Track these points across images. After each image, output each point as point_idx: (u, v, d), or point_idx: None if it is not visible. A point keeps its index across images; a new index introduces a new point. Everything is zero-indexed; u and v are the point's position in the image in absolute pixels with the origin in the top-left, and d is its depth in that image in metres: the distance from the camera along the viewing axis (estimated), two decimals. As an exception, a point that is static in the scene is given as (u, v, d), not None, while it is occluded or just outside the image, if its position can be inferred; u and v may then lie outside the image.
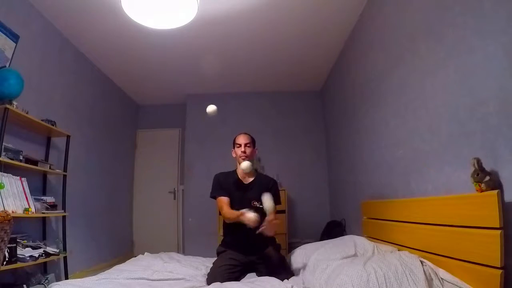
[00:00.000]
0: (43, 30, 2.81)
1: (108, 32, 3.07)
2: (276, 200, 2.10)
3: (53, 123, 2.66)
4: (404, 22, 2.08)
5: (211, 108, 2.14)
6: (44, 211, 2.48)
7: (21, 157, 2.32)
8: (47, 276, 2.45)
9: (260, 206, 1.93)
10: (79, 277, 1.79)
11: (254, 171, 2.23)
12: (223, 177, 2.19)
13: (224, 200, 2.09)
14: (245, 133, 2.26)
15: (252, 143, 2.23)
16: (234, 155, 2.23)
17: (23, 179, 2.29)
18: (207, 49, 3.47)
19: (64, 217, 2.79)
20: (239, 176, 2.19)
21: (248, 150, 2.17)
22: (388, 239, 2.10)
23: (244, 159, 2.13)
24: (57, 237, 2.75)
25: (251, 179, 2.19)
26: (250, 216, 1.80)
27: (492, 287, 1.17)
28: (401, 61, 2.11)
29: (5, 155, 2.14)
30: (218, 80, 4.33)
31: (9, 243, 1.84)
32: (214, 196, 2.17)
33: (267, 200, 1.86)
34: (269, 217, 1.79)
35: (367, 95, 2.75)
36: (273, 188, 2.16)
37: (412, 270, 1.36)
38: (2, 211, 1.77)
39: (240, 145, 2.18)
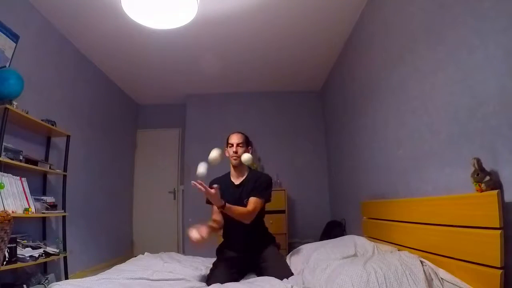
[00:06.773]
0: (43, 30, 2.81)
1: (108, 32, 3.07)
2: (265, 195, 2.03)
3: (53, 123, 2.66)
4: (404, 22, 2.08)
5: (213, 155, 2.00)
6: (44, 211, 2.48)
7: (21, 157, 2.32)
8: (47, 276, 2.45)
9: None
10: (79, 277, 1.79)
11: (247, 168, 2.19)
12: (216, 183, 2.07)
13: (213, 208, 2.05)
14: (238, 132, 2.17)
15: (245, 142, 2.14)
16: (227, 154, 2.15)
17: (23, 179, 2.29)
18: (207, 49, 3.47)
19: (64, 217, 2.79)
20: (232, 177, 2.15)
21: (240, 150, 2.08)
22: (388, 239, 2.10)
23: (235, 160, 2.08)
24: (57, 237, 2.75)
25: (242, 178, 2.12)
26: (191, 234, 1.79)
27: (492, 287, 1.17)
28: (401, 61, 2.11)
29: (5, 155, 2.14)
30: (218, 80, 4.33)
31: (9, 243, 1.85)
32: (208, 202, 2.06)
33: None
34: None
35: (367, 95, 2.75)
36: (259, 182, 2.06)
37: (412, 270, 1.36)
38: (2, 211, 1.77)
39: (232, 145, 2.11)
